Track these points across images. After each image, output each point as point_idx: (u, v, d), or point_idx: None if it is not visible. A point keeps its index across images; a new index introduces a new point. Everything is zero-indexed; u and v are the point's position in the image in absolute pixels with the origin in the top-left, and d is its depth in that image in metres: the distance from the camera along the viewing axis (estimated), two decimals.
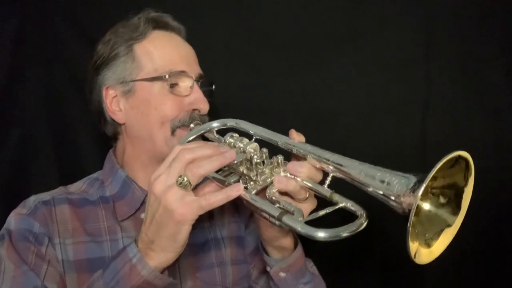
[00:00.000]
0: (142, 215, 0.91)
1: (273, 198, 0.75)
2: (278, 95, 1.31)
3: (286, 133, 0.83)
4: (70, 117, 1.31)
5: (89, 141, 1.30)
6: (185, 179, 0.69)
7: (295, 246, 0.92)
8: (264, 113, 1.30)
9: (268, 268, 0.93)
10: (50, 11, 1.29)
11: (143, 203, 0.94)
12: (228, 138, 0.82)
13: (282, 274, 0.91)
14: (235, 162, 0.76)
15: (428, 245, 0.67)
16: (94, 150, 1.29)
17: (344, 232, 0.64)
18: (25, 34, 1.28)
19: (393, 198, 0.63)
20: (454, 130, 1.24)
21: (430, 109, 1.25)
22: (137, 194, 0.95)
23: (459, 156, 0.63)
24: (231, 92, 1.30)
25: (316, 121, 1.29)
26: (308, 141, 0.82)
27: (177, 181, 0.70)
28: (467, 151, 1.29)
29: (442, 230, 0.68)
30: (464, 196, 0.68)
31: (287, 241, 0.89)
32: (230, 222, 1.06)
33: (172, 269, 0.78)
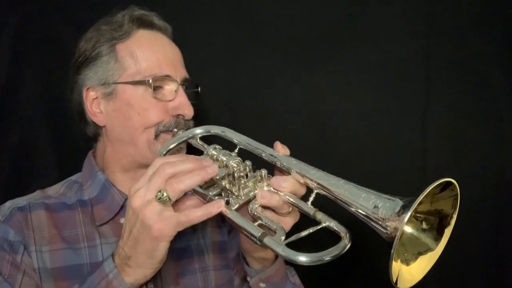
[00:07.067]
0: (122, 220, 0.90)
1: (255, 213, 0.74)
2: (277, 95, 1.30)
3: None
4: (70, 116, 1.31)
5: (88, 141, 1.30)
6: (165, 194, 0.68)
7: (276, 257, 0.90)
8: (263, 113, 1.30)
9: (248, 278, 0.92)
10: (50, 11, 1.29)
11: (122, 207, 0.91)
12: (211, 150, 0.80)
13: (262, 285, 0.89)
14: (217, 176, 0.74)
15: (407, 263, 0.66)
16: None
17: (327, 256, 0.63)
18: (25, 34, 1.28)
19: (378, 221, 0.62)
20: (454, 130, 1.24)
21: (430, 109, 1.25)
22: (117, 198, 0.92)
23: (450, 183, 0.61)
24: (230, 93, 1.30)
25: (315, 121, 1.28)
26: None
27: (156, 196, 0.68)
28: (467, 151, 1.28)
29: (420, 253, 0.67)
30: (447, 226, 0.67)
31: (268, 253, 0.87)
32: (213, 227, 1.04)
33: (154, 275, 0.76)
